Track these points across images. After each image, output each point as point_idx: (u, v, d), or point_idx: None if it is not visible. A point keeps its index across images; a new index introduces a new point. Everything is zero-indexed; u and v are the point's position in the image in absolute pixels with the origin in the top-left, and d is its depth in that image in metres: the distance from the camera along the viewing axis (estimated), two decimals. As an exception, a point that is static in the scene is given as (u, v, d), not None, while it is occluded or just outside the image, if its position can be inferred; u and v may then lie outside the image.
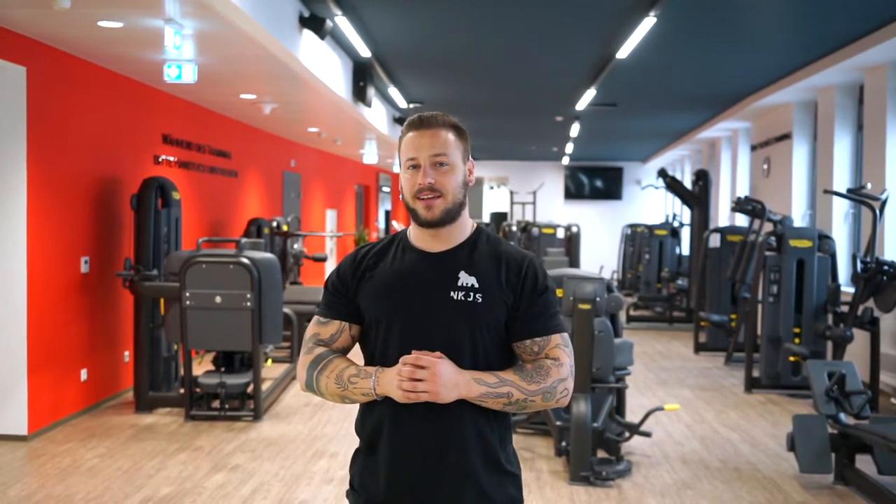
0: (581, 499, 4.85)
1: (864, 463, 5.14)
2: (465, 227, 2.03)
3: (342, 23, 6.90)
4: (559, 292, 5.65)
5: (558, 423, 5.52)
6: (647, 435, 5.67)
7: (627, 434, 5.54)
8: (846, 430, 5.08)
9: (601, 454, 5.44)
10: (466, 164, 2.02)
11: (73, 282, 6.46)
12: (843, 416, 5.20)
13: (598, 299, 5.19)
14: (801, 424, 5.14)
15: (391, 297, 1.98)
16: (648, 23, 6.63)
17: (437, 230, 2.00)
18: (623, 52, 7.79)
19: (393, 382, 1.89)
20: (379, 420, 1.98)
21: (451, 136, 1.99)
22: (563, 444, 5.41)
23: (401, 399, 1.89)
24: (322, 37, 6.72)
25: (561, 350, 1.98)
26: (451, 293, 1.96)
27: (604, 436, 5.36)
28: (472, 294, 1.96)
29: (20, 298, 5.82)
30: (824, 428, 5.12)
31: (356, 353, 2.07)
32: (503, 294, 1.97)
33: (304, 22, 6.55)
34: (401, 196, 2.11)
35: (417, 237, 2.04)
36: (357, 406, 2.06)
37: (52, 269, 6.15)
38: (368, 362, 2.02)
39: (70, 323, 6.41)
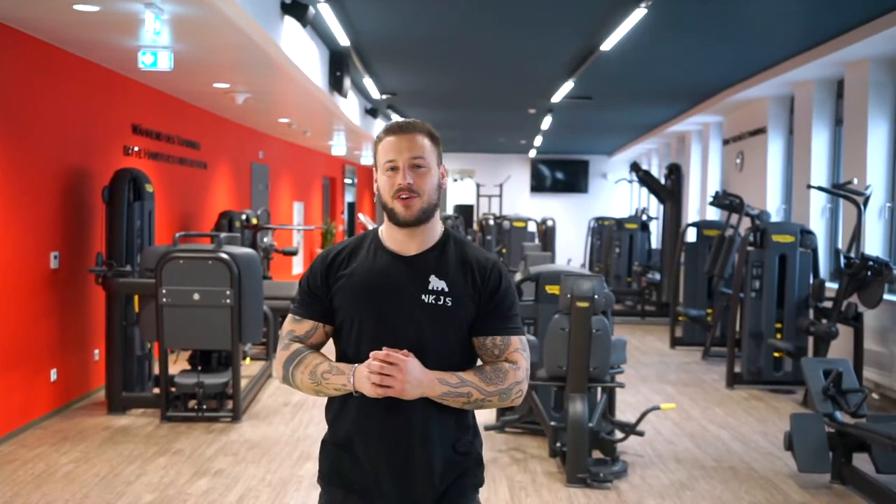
0: (580, 501, 4.74)
1: (860, 461, 5.09)
2: (435, 229, 2.16)
3: (323, 10, 6.69)
4: (556, 289, 5.53)
5: (552, 423, 5.40)
6: (641, 434, 5.58)
7: (623, 434, 5.43)
8: (844, 428, 5.03)
9: (596, 454, 5.33)
10: (440, 168, 2.16)
11: (43, 277, 6.18)
12: (839, 414, 5.15)
13: (596, 297, 5.07)
14: (798, 423, 5.08)
15: (364, 297, 2.10)
16: (638, 14, 6.52)
17: (412, 230, 2.11)
18: (608, 45, 7.68)
19: (364, 377, 2.02)
20: (351, 413, 2.11)
21: (427, 142, 2.12)
22: (558, 444, 5.29)
23: (370, 393, 2.02)
24: (304, 24, 6.51)
25: (519, 354, 2.14)
26: (422, 296, 2.09)
27: (599, 436, 5.25)
28: (441, 298, 2.09)
29: (-12, 296, 5.54)
30: (822, 427, 5.07)
31: (329, 348, 2.20)
32: (470, 297, 2.12)
33: (286, 8, 6.33)
34: (375, 198, 2.27)
35: (390, 238, 2.16)
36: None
37: (20, 264, 5.87)
38: (341, 358, 2.15)
39: (39, 320, 6.13)
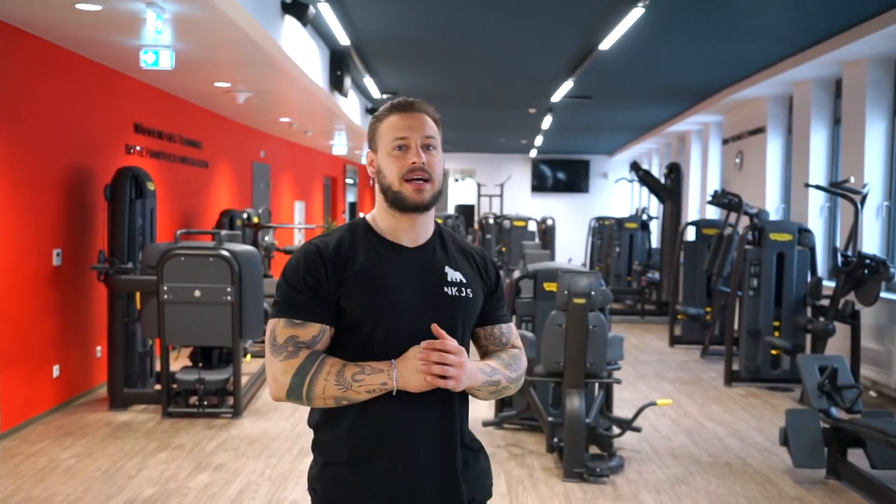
0: (576, 496, 4.78)
1: (855, 457, 5.14)
2: (432, 218, 2.03)
3: (324, 9, 6.74)
4: (554, 286, 5.58)
5: (550, 418, 5.44)
6: (638, 430, 5.62)
7: (620, 430, 5.48)
8: (839, 424, 5.07)
9: (593, 450, 5.37)
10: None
11: (45, 275, 6.23)
12: (834, 410, 5.19)
13: (593, 293, 5.12)
14: (793, 419, 5.12)
15: (384, 294, 1.90)
16: (636, 13, 6.56)
17: (415, 218, 1.96)
18: (606, 44, 7.73)
19: (413, 371, 1.84)
20: (379, 421, 1.89)
21: (434, 125, 1.98)
22: (556, 440, 5.34)
23: (420, 388, 1.85)
24: (305, 24, 6.56)
25: (520, 340, 2.14)
26: (445, 289, 1.96)
27: (596, 432, 5.29)
28: (463, 289, 1.99)
29: (-9, 292, 5.59)
30: (817, 422, 5.11)
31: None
32: (480, 287, 2.04)
33: (287, 8, 6.38)
34: (371, 181, 2.03)
35: (389, 227, 1.97)
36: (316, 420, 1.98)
37: (22, 261, 5.92)
38: (356, 360, 1.90)
39: (42, 317, 6.18)
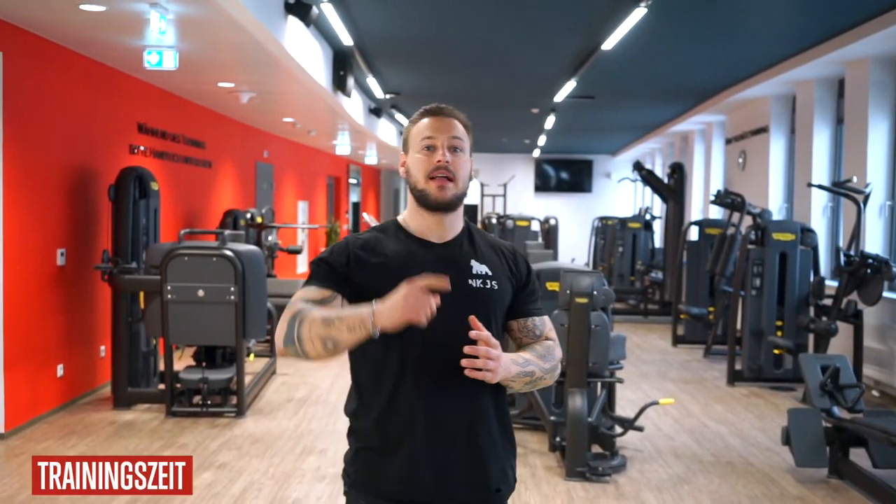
0: (578, 494, 4.79)
1: (857, 456, 5.14)
2: (460, 218, 2.11)
3: (327, 9, 6.76)
4: (556, 286, 5.59)
5: (552, 417, 5.46)
6: (640, 429, 5.63)
7: (622, 429, 5.49)
8: (841, 423, 5.08)
9: (595, 449, 5.38)
10: (471, 159, 2.12)
11: (49, 274, 6.26)
12: (836, 409, 5.20)
13: (595, 293, 5.13)
14: (795, 418, 5.13)
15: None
16: (638, 13, 6.57)
17: (441, 216, 2.05)
18: (609, 44, 7.74)
19: (391, 307, 1.83)
20: (410, 412, 1.98)
21: (463, 129, 2.09)
22: (558, 439, 5.35)
23: (395, 325, 1.83)
24: (308, 24, 6.58)
25: (554, 332, 2.19)
26: (469, 280, 2.03)
27: (598, 431, 5.30)
28: (488, 281, 2.05)
29: (-5, 292, 5.61)
30: (819, 422, 5.12)
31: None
32: (508, 280, 2.10)
33: (290, 8, 6.40)
34: (407, 182, 2.10)
35: (418, 226, 2.07)
36: (355, 404, 2.06)
37: (27, 261, 5.94)
38: (376, 352, 1.98)
39: (46, 317, 6.21)
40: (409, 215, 2.09)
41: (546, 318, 2.18)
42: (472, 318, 1.92)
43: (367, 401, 2.02)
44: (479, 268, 2.05)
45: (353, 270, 2.01)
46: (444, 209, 2.03)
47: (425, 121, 2.07)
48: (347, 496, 2.08)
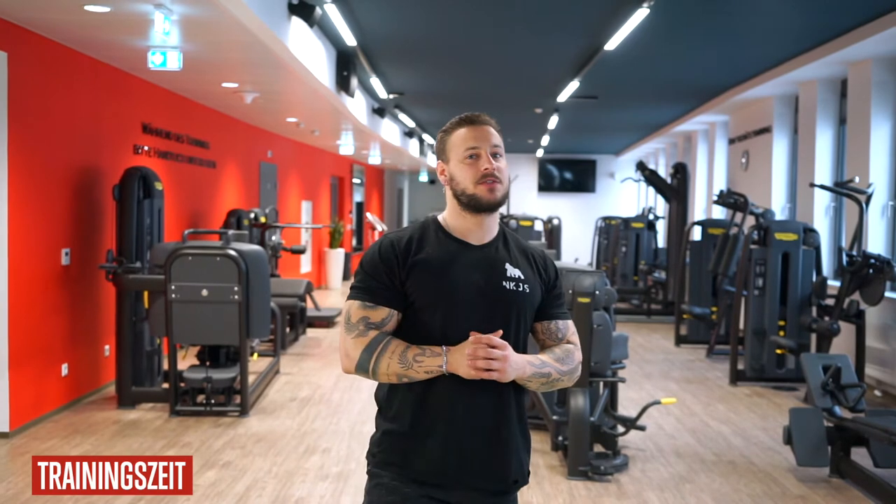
0: (580, 493, 4.81)
1: (858, 456, 5.15)
2: (497, 221, 2.25)
3: (330, 10, 6.78)
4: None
5: (555, 417, 5.47)
6: (642, 429, 5.65)
7: (624, 429, 5.50)
8: (842, 423, 5.09)
9: (598, 448, 5.40)
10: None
11: (54, 274, 6.29)
12: (838, 409, 5.21)
13: (597, 293, 5.14)
14: (797, 418, 5.14)
15: (447, 284, 2.13)
16: (641, 14, 6.58)
17: (483, 218, 2.18)
18: (612, 44, 7.75)
19: (462, 360, 2.06)
20: (440, 400, 2.11)
21: (499, 136, 2.21)
22: (560, 438, 5.37)
23: (468, 376, 2.06)
24: (311, 24, 6.60)
25: (576, 336, 2.29)
26: (503, 283, 2.17)
27: (600, 430, 5.32)
28: (520, 285, 2.18)
29: (0, 291, 5.64)
30: (821, 421, 5.13)
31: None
32: (538, 284, 2.23)
33: (293, 9, 6.42)
34: (450, 188, 2.23)
35: (460, 227, 2.20)
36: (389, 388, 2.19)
37: (32, 261, 5.98)
38: (419, 343, 2.13)
39: (51, 316, 6.24)
40: (450, 216, 2.22)
41: (570, 322, 2.29)
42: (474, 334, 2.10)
43: (403, 387, 2.14)
44: (512, 271, 2.18)
45: (403, 274, 2.14)
46: (493, 209, 2.17)
47: (464, 130, 2.19)
48: (371, 475, 2.20)
